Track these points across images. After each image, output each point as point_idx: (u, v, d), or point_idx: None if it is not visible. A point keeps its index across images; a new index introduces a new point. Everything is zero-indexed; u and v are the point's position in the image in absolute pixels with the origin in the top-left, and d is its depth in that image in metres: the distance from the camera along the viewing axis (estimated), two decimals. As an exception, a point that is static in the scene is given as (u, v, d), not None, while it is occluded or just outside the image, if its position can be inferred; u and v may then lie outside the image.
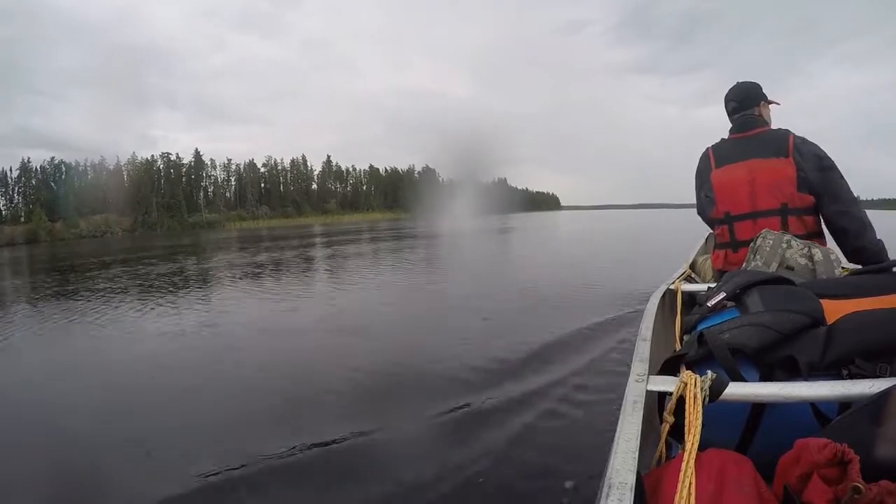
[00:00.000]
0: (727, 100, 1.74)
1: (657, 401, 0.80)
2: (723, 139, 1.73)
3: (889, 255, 1.53)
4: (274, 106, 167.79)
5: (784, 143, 1.55)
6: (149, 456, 2.12)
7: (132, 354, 3.85)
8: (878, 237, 1.55)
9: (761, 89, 1.71)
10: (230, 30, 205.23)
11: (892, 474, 0.50)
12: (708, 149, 1.72)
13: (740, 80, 1.76)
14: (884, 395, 0.60)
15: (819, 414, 0.73)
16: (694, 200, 1.83)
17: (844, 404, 0.69)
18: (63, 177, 58.36)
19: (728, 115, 1.74)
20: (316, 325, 4.51)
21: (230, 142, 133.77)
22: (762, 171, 1.55)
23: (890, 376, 0.69)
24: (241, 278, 8.17)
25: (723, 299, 1.02)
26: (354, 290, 6.42)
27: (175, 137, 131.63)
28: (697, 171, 1.76)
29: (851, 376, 0.72)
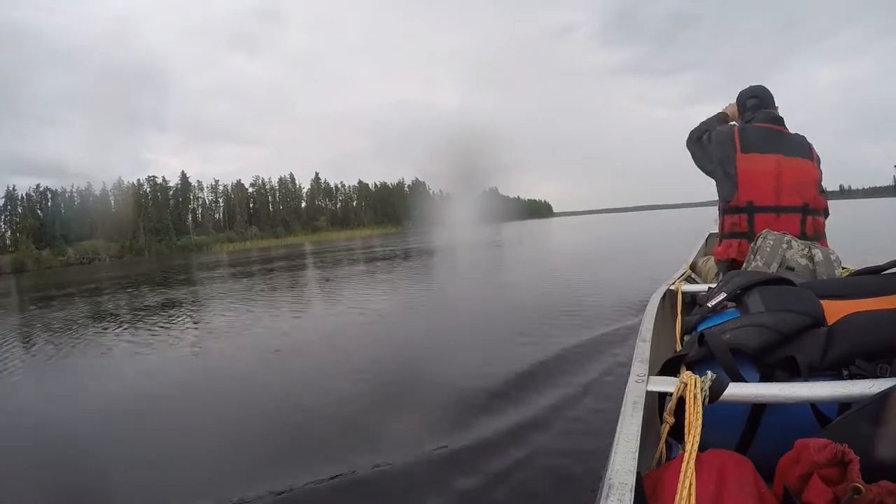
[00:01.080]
0: (747, 96, 1.75)
1: (657, 401, 0.80)
2: (749, 125, 1.67)
3: None
4: (265, 125, 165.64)
5: (807, 147, 1.61)
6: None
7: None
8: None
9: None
10: (219, 50, 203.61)
11: (892, 474, 0.50)
12: (734, 127, 1.65)
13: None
14: (884, 396, 0.60)
15: (819, 414, 0.73)
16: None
17: (844, 404, 0.69)
18: (49, 204, 57.59)
19: (745, 110, 1.74)
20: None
21: (222, 163, 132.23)
22: (790, 167, 1.57)
23: (890, 376, 0.69)
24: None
25: (723, 300, 1.02)
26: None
27: (166, 161, 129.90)
28: (719, 141, 1.66)
29: (852, 376, 0.72)
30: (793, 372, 0.77)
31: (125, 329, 6.02)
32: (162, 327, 5.90)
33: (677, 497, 0.51)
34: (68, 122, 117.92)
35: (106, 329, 6.17)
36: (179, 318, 6.50)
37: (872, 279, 0.94)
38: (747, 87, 1.79)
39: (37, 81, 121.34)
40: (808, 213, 1.55)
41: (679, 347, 1.13)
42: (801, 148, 1.60)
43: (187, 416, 2.91)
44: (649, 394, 0.77)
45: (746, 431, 0.78)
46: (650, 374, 0.85)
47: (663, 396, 0.77)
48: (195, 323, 6.14)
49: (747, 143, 1.61)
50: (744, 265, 1.43)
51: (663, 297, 1.46)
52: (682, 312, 1.35)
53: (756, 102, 1.71)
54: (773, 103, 1.73)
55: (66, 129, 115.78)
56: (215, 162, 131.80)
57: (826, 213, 1.64)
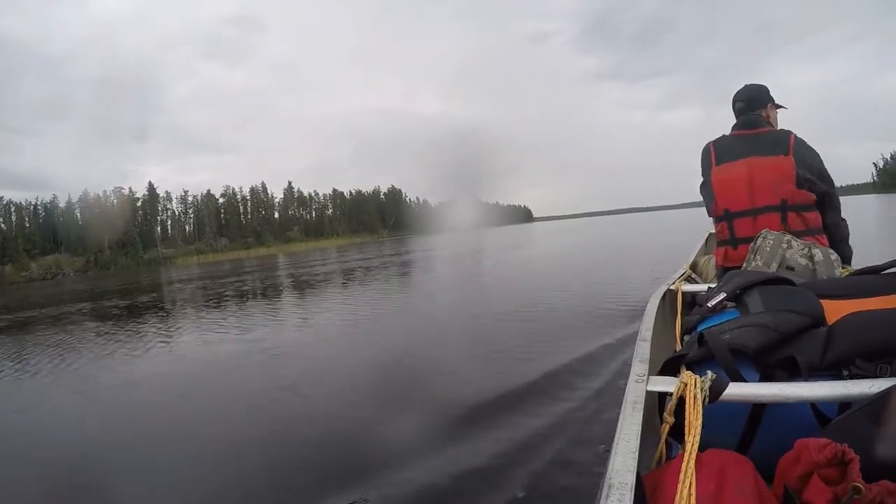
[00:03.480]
0: (735, 100, 1.75)
1: (658, 401, 0.80)
2: (724, 135, 1.73)
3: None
4: (244, 134, 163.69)
5: (785, 142, 1.58)
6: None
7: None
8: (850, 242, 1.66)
9: (768, 92, 1.74)
10: (198, 59, 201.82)
11: (892, 474, 0.50)
12: (709, 144, 1.73)
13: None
14: (884, 395, 0.60)
15: (819, 414, 0.73)
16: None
17: (844, 404, 0.68)
18: (13, 217, 56.53)
19: (735, 114, 1.75)
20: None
21: (201, 172, 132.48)
22: (762, 168, 1.57)
23: (890, 376, 0.69)
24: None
25: (723, 300, 1.02)
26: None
27: (146, 171, 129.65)
28: (701, 166, 1.76)
29: (851, 376, 0.72)
30: (793, 372, 0.77)
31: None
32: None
33: (677, 497, 0.51)
34: (49, 133, 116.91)
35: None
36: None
37: (872, 279, 0.95)
38: (742, 86, 1.77)
39: (15, 91, 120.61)
40: (787, 210, 1.55)
41: (679, 347, 1.13)
42: (775, 146, 1.58)
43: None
44: (649, 394, 0.77)
45: (746, 431, 0.78)
46: (650, 373, 0.85)
47: (663, 396, 0.77)
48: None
49: (721, 155, 1.68)
50: (743, 265, 1.43)
51: (663, 297, 1.46)
52: (682, 312, 1.35)
53: (742, 106, 1.71)
54: (764, 102, 1.71)
55: (47, 141, 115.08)
56: (194, 171, 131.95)
57: (821, 206, 1.59)
